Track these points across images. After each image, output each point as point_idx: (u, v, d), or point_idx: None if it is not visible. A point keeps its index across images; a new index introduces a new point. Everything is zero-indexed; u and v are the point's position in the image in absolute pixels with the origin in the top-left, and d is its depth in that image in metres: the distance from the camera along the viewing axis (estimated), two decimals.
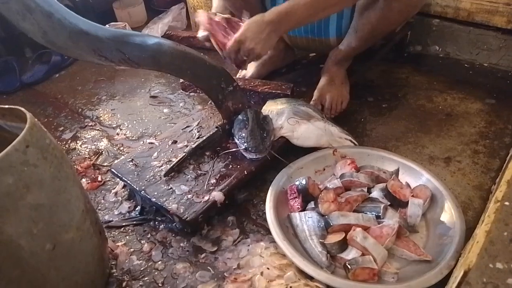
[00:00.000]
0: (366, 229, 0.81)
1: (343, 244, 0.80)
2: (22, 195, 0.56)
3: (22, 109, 0.62)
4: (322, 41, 1.22)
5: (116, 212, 0.99)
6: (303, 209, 0.90)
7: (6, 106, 0.64)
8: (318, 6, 0.97)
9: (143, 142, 1.17)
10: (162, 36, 1.73)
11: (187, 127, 1.14)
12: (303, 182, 0.90)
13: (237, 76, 1.36)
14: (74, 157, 1.18)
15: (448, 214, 0.85)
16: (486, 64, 1.47)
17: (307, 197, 0.90)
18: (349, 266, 0.75)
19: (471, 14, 1.42)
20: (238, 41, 0.96)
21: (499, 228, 0.54)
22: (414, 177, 0.95)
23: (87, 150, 1.21)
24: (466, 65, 1.48)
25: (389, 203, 0.88)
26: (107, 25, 1.62)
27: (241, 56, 0.99)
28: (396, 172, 0.97)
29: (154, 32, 1.75)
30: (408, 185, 0.93)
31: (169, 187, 0.94)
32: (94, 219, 0.74)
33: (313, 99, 1.19)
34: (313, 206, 0.89)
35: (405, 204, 0.87)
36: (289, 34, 1.27)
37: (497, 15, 1.37)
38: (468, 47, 1.49)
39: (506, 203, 0.57)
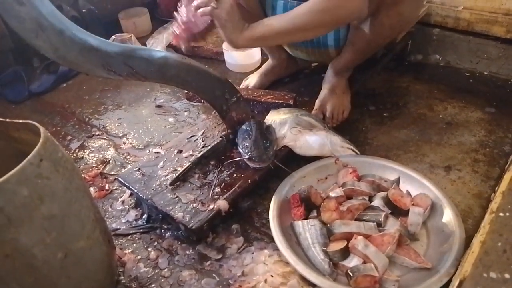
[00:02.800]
0: (367, 237, 0.83)
1: (345, 252, 0.82)
2: (36, 206, 0.59)
3: (36, 124, 0.65)
4: (321, 52, 1.25)
5: (123, 220, 1.02)
6: (306, 217, 0.92)
7: (21, 121, 0.67)
8: (289, 33, 0.96)
9: (149, 151, 1.20)
10: (166, 46, 1.76)
11: (192, 136, 1.16)
12: (306, 191, 0.92)
13: (240, 87, 1.39)
14: (81, 166, 1.21)
15: (448, 222, 0.87)
16: (486, 73, 1.49)
17: (310, 205, 0.92)
18: (351, 274, 0.77)
19: (470, 24, 1.44)
20: None
21: (493, 239, 0.55)
22: (415, 185, 0.97)
23: (95, 159, 1.24)
24: (466, 73, 1.50)
25: (390, 211, 0.90)
26: (113, 36, 1.66)
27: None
28: (397, 181, 0.99)
29: (159, 42, 1.79)
30: (408, 193, 0.95)
31: (175, 196, 0.97)
32: (103, 228, 0.77)
33: (314, 108, 1.21)
34: (316, 214, 0.91)
35: (405, 213, 0.89)
36: (290, 44, 1.30)
37: (496, 25, 1.39)
38: (468, 56, 1.51)
39: (501, 214, 0.59)
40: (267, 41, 0.98)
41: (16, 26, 0.69)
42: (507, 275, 0.51)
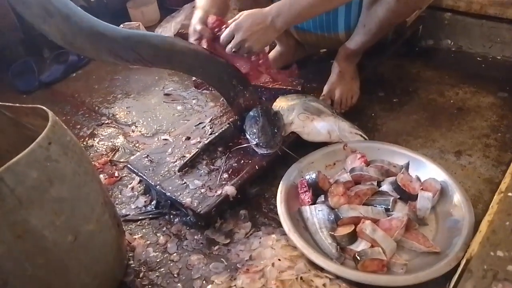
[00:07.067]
0: (375, 221, 0.83)
1: (353, 237, 0.82)
2: (46, 189, 0.60)
3: (44, 108, 0.65)
4: (331, 36, 1.23)
5: (132, 206, 1.03)
6: (313, 202, 0.92)
7: (30, 106, 0.68)
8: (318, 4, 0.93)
9: (158, 138, 1.21)
10: (174, 35, 1.76)
11: (200, 123, 1.16)
12: (314, 176, 0.92)
13: None
14: (91, 154, 1.22)
15: (458, 207, 0.86)
16: (499, 57, 1.46)
17: (317, 191, 0.92)
18: (358, 258, 0.77)
19: (484, 7, 1.41)
20: (232, 29, 0.92)
21: (501, 218, 0.55)
22: (424, 170, 0.96)
23: (104, 147, 1.25)
24: (478, 58, 1.47)
25: (398, 196, 0.89)
26: (121, 25, 1.67)
27: (230, 49, 0.95)
28: (406, 166, 0.98)
29: (167, 31, 1.79)
30: (418, 178, 0.94)
31: (183, 182, 0.97)
32: (112, 212, 0.78)
33: (322, 94, 1.20)
34: (323, 199, 0.91)
35: (414, 197, 0.88)
36: (299, 30, 1.29)
37: (511, 7, 1.35)
38: (481, 40, 1.48)
39: (510, 194, 0.58)
40: (300, 18, 0.96)
41: (23, 11, 0.70)
42: None
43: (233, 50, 0.95)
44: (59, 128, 0.64)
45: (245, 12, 0.94)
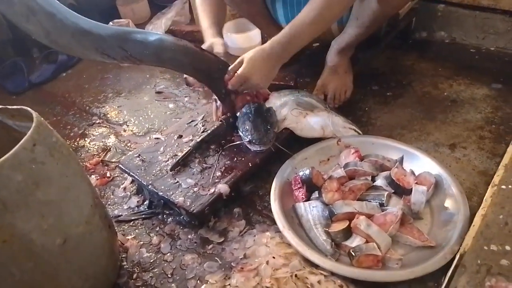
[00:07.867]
0: (370, 217, 0.82)
1: (347, 232, 0.81)
2: (32, 192, 0.58)
3: (29, 109, 0.64)
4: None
5: (125, 207, 1.01)
6: (308, 199, 0.91)
7: (14, 107, 0.66)
8: (322, 20, 0.93)
9: (150, 137, 1.19)
10: (165, 32, 1.74)
11: (192, 121, 1.15)
12: (307, 172, 0.91)
13: None
14: (83, 154, 1.21)
15: (453, 200, 0.85)
16: (493, 48, 1.45)
17: (312, 187, 0.91)
18: (353, 254, 0.76)
19: None
20: (243, 78, 0.94)
21: (495, 212, 0.54)
22: (419, 164, 0.95)
23: (96, 147, 1.24)
24: (472, 50, 1.47)
25: (393, 190, 0.88)
26: (110, 23, 1.64)
27: (242, 90, 1.00)
28: (401, 160, 0.97)
29: (158, 28, 1.77)
30: (412, 172, 0.93)
31: (176, 181, 0.96)
32: (103, 213, 0.76)
33: (315, 89, 1.19)
34: (317, 196, 0.90)
35: (409, 192, 0.87)
36: None
37: None
38: (475, 31, 1.47)
39: (503, 186, 0.58)
40: (303, 45, 0.96)
41: (6, 10, 0.68)
42: (508, 247, 0.50)
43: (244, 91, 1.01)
44: (44, 129, 0.62)
45: (251, 57, 0.94)
